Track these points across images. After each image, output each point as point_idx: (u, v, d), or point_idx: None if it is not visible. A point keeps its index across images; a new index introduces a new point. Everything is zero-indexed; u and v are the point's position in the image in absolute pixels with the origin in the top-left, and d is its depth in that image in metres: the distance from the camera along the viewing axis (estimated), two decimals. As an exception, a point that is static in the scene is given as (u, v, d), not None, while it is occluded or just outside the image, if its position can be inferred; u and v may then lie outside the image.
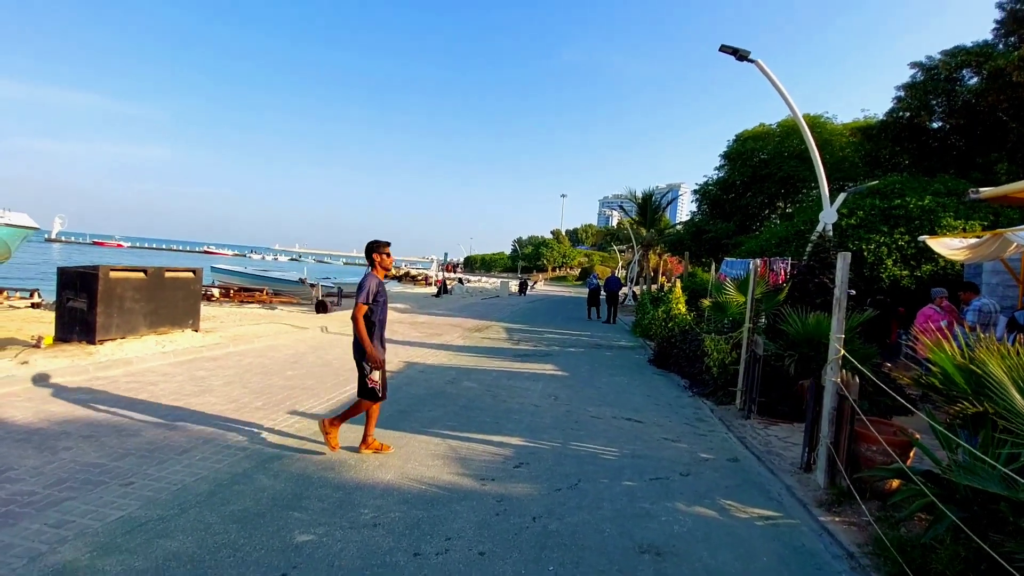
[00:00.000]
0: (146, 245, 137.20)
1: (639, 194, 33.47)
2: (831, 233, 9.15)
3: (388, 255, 4.76)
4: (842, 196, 9.36)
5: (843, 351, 4.01)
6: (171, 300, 8.88)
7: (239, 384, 6.54)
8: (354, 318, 4.32)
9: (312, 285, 19.73)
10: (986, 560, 2.60)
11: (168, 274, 8.90)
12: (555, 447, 4.93)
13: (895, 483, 3.84)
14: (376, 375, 4.39)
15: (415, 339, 11.67)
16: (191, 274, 9.34)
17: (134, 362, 7.24)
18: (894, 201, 13.84)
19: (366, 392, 4.41)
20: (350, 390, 6.61)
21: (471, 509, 3.52)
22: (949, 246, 10.49)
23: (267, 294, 21.99)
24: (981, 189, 6.00)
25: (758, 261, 7.17)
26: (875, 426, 3.80)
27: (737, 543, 3.31)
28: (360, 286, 4.42)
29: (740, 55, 8.87)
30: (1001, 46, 16.86)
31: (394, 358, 9.03)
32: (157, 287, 8.62)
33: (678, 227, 38.46)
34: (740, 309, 8.51)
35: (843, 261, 4.08)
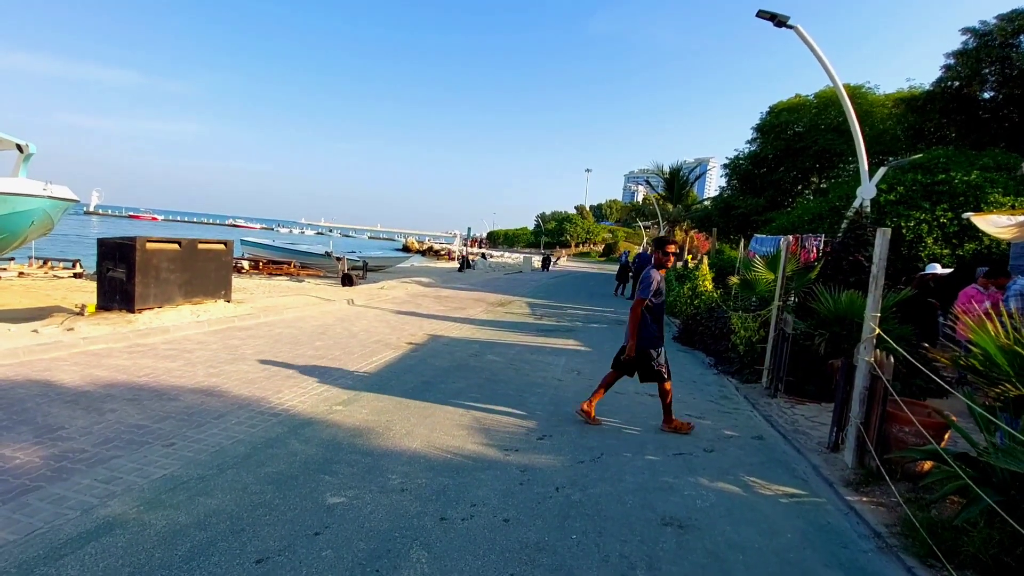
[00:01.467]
0: (178, 218, 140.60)
1: (666, 168, 32.76)
2: (868, 209, 8.82)
3: (674, 255, 5.04)
4: (882, 170, 8.99)
5: (878, 330, 3.90)
6: (204, 271, 9.11)
7: (270, 353, 6.72)
8: (633, 310, 4.66)
9: (338, 259, 20.00)
10: (1023, 545, 2.55)
11: (201, 246, 9.12)
12: (578, 421, 4.97)
13: (927, 465, 3.77)
14: (661, 359, 4.81)
15: (439, 312, 11.79)
16: (223, 246, 9.56)
17: (171, 330, 7.49)
18: (938, 176, 13.25)
19: (654, 374, 4.76)
20: (377, 360, 6.75)
21: (495, 478, 3.59)
22: (996, 223, 10.03)
23: (295, 267, 22.41)
24: None
25: (789, 238, 6.98)
26: (909, 407, 3.72)
27: (760, 519, 3.31)
28: (647, 281, 4.67)
29: (778, 20, 8.48)
30: (1064, 9, 15.76)
31: (418, 331, 9.15)
32: (191, 258, 8.85)
33: (706, 203, 37.60)
34: (769, 287, 8.33)
35: (882, 237, 3.94)
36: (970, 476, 2.88)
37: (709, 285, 11.11)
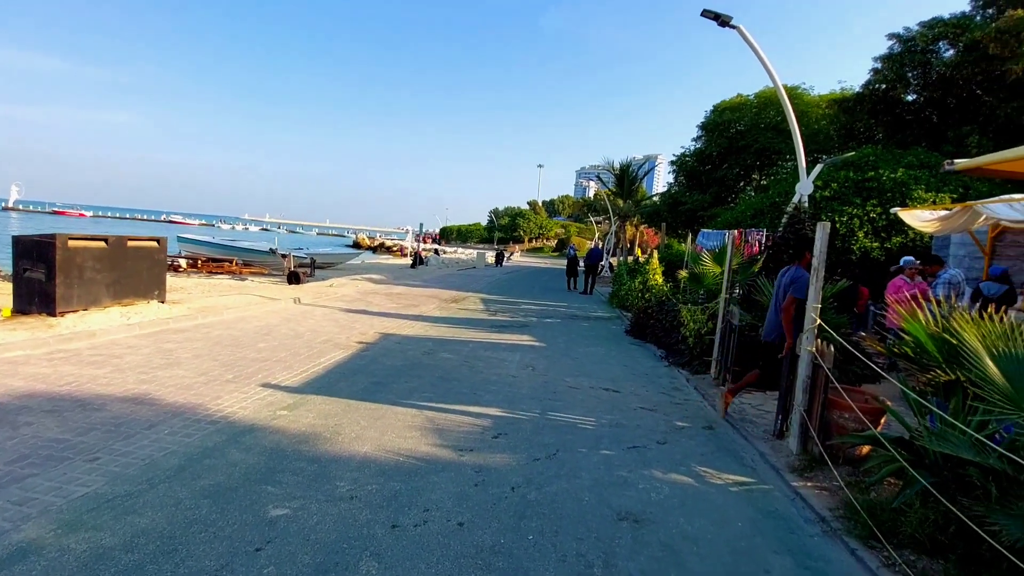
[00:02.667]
0: (110, 214, 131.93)
1: (616, 164, 33.32)
2: (806, 205, 9.22)
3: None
4: (818, 168, 9.42)
5: (819, 320, 4.04)
6: (135, 270, 8.52)
7: (208, 357, 6.34)
8: (786, 309, 4.65)
9: (284, 256, 19.24)
10: (955, 523, 2.68)
11: (131, 243, 8.51)
12: (533, 417, 4.93)
13: (866, 449, 3.94)
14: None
15: (391, 310, 11.52)
16: (155, 243, 8.96)
17: (98, 334, 6.95)
18: (868, 173, 14.03)
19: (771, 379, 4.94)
20: (326, 361, 6.49)
21: (449, 480, 3.49)
22: (920, 218, 10.72)
23: (237, 264, 21.40)
24: (956, 161, 6.03)
25: (735, 233, 7.19)
26: (848, 394, 3.87)
27: (712, 509, 3.36)
28: (801, 282, 4.62)
29: (722, 20, 8.71)
30: (979, 18, 16.98)
31: (369, 330, 8.89)
32: (120, 257, 8.25)
33: (654, 198, 38.53)
34: (716, 280, 8.58)
35: (822, 231, 4.08)
36: (906, 459, 3.01)
37: (659, 279, 11.35)
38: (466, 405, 5.15)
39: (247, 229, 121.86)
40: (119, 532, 2.70)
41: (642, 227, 41.74)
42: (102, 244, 7.98)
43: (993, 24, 14.65)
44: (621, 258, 30.22)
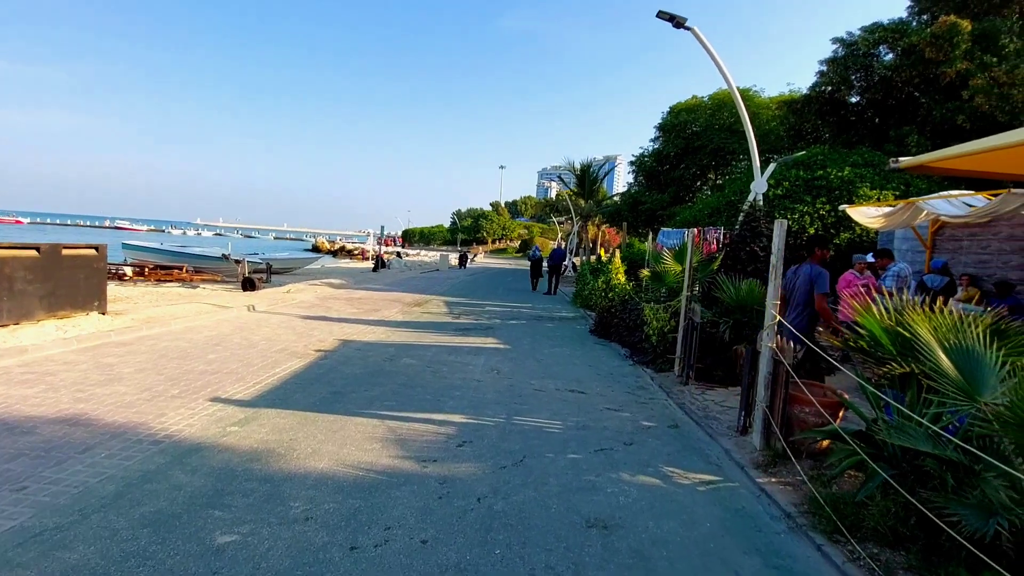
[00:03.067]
0: (49, 221, 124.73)
1: (577, 165, 33.62)
2: (761, 203, 9.44)
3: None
4: (772, 167, 9.67)
5: (779, 317, 4.08)
6: (71, 280, 7.97)
7: (153, 371, 5.96)
8: (820, 304, 4.81)
9: (237, 261, 18.52)
10: (916, 514, 2.72)
11: (66, 251, 7.96)
12: (499, 423, 4.82)
13: (827, 443, 4.01)
14: None
15: (351, 315, 11.20)
16: (93, 251, 8.41)
17: (30, 350, 6.45)
18: (817, 172, 14.55)
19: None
20: (281, 372, 6.21)
21: (412, 494, 3.35)
22: (866, 214, 11.16)
23: (187, 271, 20.46)
24: (900, 159, 6.26)
25: (694, 231, 7.27)
26: (808, 388, 3.93)
27: (680, 510, 3.34)
28: (822, 278, 4.88)
29: (677, 22, 8.83)
30: (914, 23, 17.86)
31: (328, 337, 8.60)
32: (54, 266, 7.70)
33: (615, 198, 39.07)
34: (677, 278, 8.67)
35: (780, 228, 4.13)
36: (866, 452, 3.05)
37: (622, 278, 11.44)
38: (430, 413, 5.00)
39: (199, 234, 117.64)
40: (47, 569, 2.46)
41: (604, 227, 42.29)
42: (33, 253, 7.43)
43: (928, 29, 15.44)
44: (584, 258, 30.48)
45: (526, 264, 49.28)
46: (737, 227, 9.19)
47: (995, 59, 14.84)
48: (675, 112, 29.90)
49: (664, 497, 3.50)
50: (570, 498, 3.40)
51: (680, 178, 29.42)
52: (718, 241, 11.97)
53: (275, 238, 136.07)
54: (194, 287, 17.59)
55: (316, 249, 78.21)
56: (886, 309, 3.73)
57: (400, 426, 4.58)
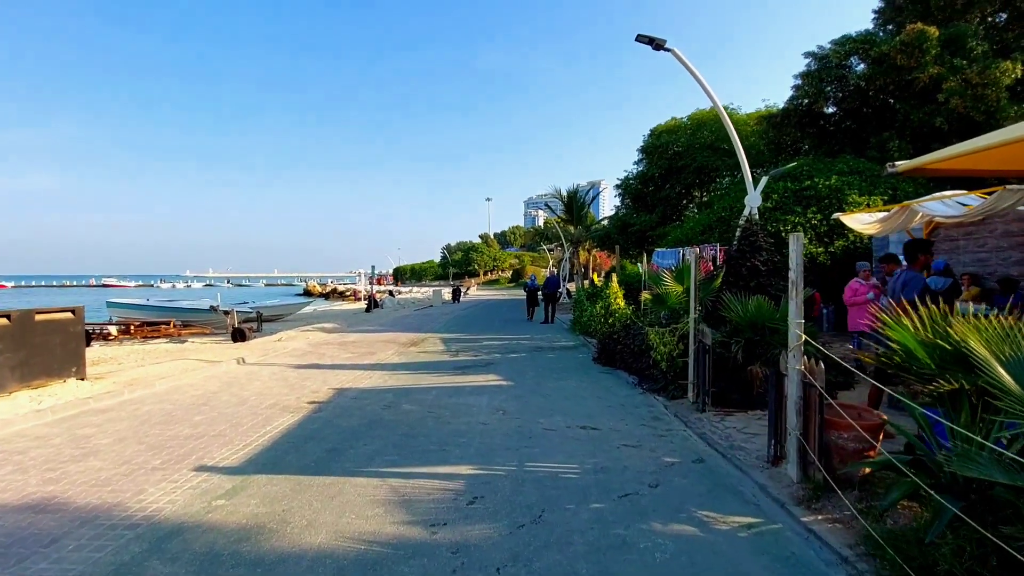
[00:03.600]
0: (33, 283, 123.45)
1: (564, 192, 33.75)
2: (757, 217, 9.30)
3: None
4: (764, 179, 9.58)
5: (804, 336, 3.81)
6: (46, 346, 7.57)
7: (133, 439, 5.54)
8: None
9: (226, 312, 18.09)
10: (996, 552, 2.39)
11: (40, 316, 7.59)
12: (510, 471, 4.45)
13: (867, 468, 3.68)
14: None
15: (346, 361, 10.80)
16: (70, 314, 8.03)
17: (-1, 426, 6.02)
18: (804, 183, 14.55)
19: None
20: (272, 430, 5.80)
21: (422, 569, 2.96)
22: (861, 221, 11.05)
23: (175, 327, 19.98)
24: (897, 164, 6.11)
25: (696, 249, 7.05)
26: (844, 411, 3.62)
27: (725, 563, 2.98)
28: (913, 283, 4.75)
29: (657, 44, 8.82)
30: (881, 34, 18.26)
31: (323, 386, 8.20)
32: (26, 333, 7.31)
33: (603, 222, 39.20)
34: (680, 299, 8.42)
35: (796, 243, 3.89)
36: (926, 483, 2.73)
37: (621, 302, 11.18)
38: (435, 466, 4.62)
39: (189, 286, 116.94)
40: None
41: (594, 251, 42.31)
42: (3, 321, 7.05)
43: (897, 38, 15.75)
44: (579, 283, 30.29)
45: (520, 294, 49.05)
46: (735, 242, 9.01)
47: (964, 62, 15.10)
48: (656, 134, 30.29)
49: (704, 548, 3.13)
50: (601, 559, 3.03)
51: (666, 198, 29.59)
52: (715, 258, 11.80)
53: (266, 285, 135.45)
54: (182, 342, 17.10)
55: (308, 293, 77.90)
56: (921, 320, 3.46)
57: (404, 484, 4.20)
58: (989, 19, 17.69)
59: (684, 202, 30.97)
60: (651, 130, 31.01)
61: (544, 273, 45.35)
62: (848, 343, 8.46)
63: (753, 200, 9.12)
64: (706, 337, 6.06)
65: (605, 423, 5.88)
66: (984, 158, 5.92)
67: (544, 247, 56.18)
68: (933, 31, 15.08)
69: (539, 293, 20.78)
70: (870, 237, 13.56)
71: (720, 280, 8.33)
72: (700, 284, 8.53)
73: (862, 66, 17.62)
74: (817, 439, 3.69)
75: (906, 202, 9.68)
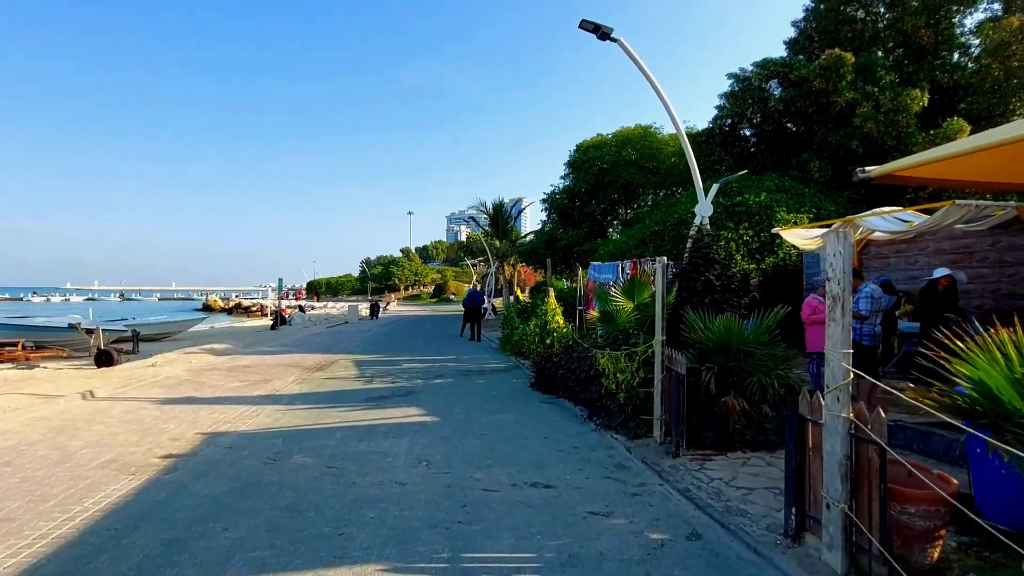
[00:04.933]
0: None
1: (489, 205, 32.80)
2: (708, 227, 8.59)
3: None
4: (715, 187, 8.94)
5: (853, 371, 2.77)
6: None
7: None
8: None
9: (89, 331, 15.06)
10: None
11: None
12: (441, 570, 3.06)
13: (936, 553, 2.68)
14: None
15: (231, 392, 8.83)
16: None
17: None
18: (736, 198, 14.37)
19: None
20: (90, 508, 4.00)
21: None
22: (802, 236, 10.75)
23: (23, 349, 16.46)
24: (868, 169, 5.46)
25: (662, 259, 6.05)
26: (910, 475, 2.60)
27: None
28: None
29: (602, 32, 7.93)
30: (795, 61, 18.93)
31: (189, 430, 6.33)
32: None
33: (528, 237, 38.62)
34: (631, 317, 7.44)
35: (842, 243, 2.89)
36: None
37: (560, 320, 10.08)
38: (327, 567, 3.12)
39: (67, 300, 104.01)
40: None
41: (519, 266, 41.62)
42: None
43: (816, 62, 16.23)
44: (505, 299, 29.21)
45: (444, 310, 47.20)
46: (686, 255, 8.22)
47: (876, 89, 15.77)
48: (583, 149, 30.14)
49: None
50: None
51: (592, 214, 29.43)
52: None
53: (160, 299, 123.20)
54: (31, 367, 13.95)
55: (207, 308, 71.19)
56: (1003, 354, 2.52)
57: (272, 611, 2.67)
58: (891, 54, 18.86)
59: (609, 218, 31.01)
60: (577, 145, 30.87)
61: (466, 288, 44.05)
62: (802, 367, 7.84)
63: (704, 209, 8.41)
64: (678, 365, 5.01)
65: (559, 476, 4.63)
66: (961, 165, 5.38)
67: (468, 261, 54.85)
68: (849, 57, 15.63)
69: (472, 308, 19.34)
70: (799, 254, 13.56)
71: (673, 296, 7.46)
72: (651, 301, 7.60)
73: (780, 90, 18.11)
74: (878, 517, 2.63)
75: (848, 217, 9.45)
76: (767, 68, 17.82)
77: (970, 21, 17.33)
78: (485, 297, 30.43)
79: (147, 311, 51.42)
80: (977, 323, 3.54)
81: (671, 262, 10.78)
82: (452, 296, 77.82)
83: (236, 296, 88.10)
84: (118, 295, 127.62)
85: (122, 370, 11.80)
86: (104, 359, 13.84)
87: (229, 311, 65.56)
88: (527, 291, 45.16)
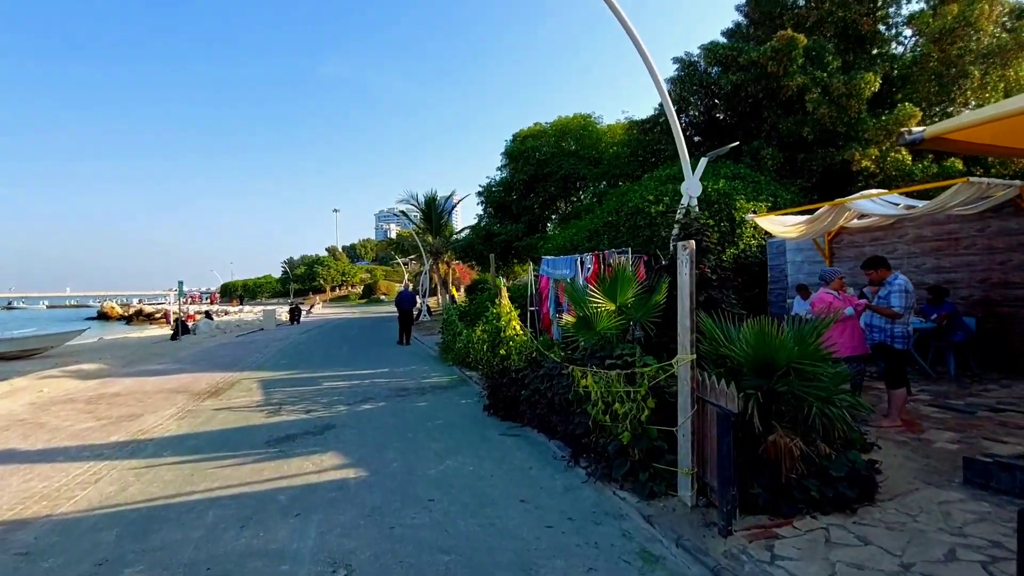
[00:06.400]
0: None
1: (421, 198, 30.58)
2: (696, 208, 7.20)
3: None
4: (703, 161, 7.55)
5: None
6: None
7: None
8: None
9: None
10: None
11: None
12: None
13: None
14: None
15: (74, 439, 6.43)
16: None
17: None
18: (694, 185, 13.30)
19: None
20: None
21: None
22: (783, 223, 9.63)
23: None
24: (922, 129, 4.15)
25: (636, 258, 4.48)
26: None
27: None
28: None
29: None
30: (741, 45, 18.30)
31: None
32: None
33: (463, 232, 36.65)
34: (615, 322, 5.88)
35: None
36: None
37: (517, 326, 8.36)
38: None
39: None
40: None
41: (454, 263, 39.55)
42: None
43: (768, 44, 15.52)
44: (442, 299, 27.17)
45: (374, 311, 44.19)
46: (672, 242, 6.77)
47: (824, 75, 15.27)
48: (520, 138, 28.64)
49: None
50: None
51: (531, 207, 27.98)
52: (632, 266, 9.59)
53: (48, 307, 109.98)
54: None
55: (103, 316, 63.62)
56: None
57: None
58: (830, 42, 18.67)
59: (547, 212, 29.69)
60: (515, 135, 29.33)
61: (397, 288, 41.49)
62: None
63: (692, 187, 7.01)
64: (722, 397, 3.45)
65: (527, 541, 2.92)
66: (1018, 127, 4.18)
67: (399, 259, 51.98)
68: (802, 39, 15.03)
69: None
70: (759, 245, 12.68)
71: (663, 294, 5.97)
72: (634, 302, 6.10)
73: (730, 73, 17.37)
74: None
75: (837, 200, 8.44)
76: (715, 52, 17.00)
77: (906, 11, 17.34)
78: (418, 298, 28.23)
79: (28, 321, 44.56)
80: None
81: (636, 253, 9.41)
82: (383, 296, 74.28)
83: (139, 302, 79.55)
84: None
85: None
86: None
87: (128, 319, 58.80)
88: (462, 289, 43.20)
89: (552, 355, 6.37)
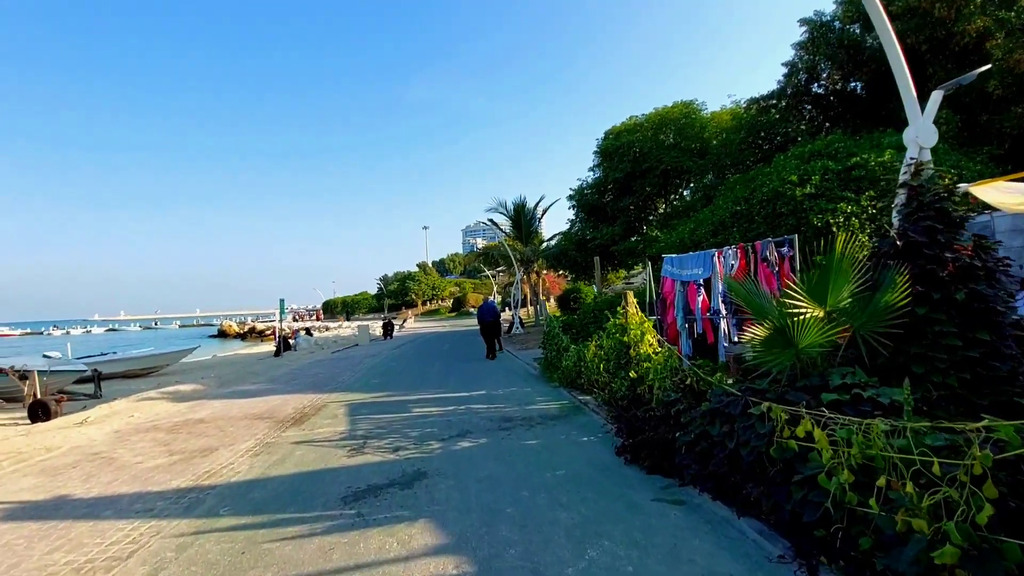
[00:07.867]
0: None
1: (510, 205, 29.41)
2: (932, 166, 5.00)
3: None
4: (936, 95, 5.34)
5: None
6: None
7: None
8: None
9: (22, 376, 11.94)
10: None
11: None
12: None
13: None
14: None
15: (134, 483, 5.48)
16: None
17: None
18: (850, 160, 10.73)
19: None
20: None
21: None
22: (1012, 191, 7.12)
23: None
24: None
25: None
26: None
27: None
28: None
29: None
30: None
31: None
32: None
33: (553, 240, 35.02)
34: (828, 334, 3.91)
35: None
36: None
37: (654, 342, 6.47)
38: None
39: (89, 332, 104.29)
40: None
41: (544, 273, 38.02)
42: None
43: (934, -18, 12.54)
44: (540, 310, 25.65)
45: (464, 324, 43.76)
46: (899, 214, 4.63)
47: (1011, 13, 12.01)
48: (614, 135, 26.56)
49: None
50: None
51: (626, 208, 25.72)
52: (791, 259, 7.42)
53: (180, 326, 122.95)
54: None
55: (223, 334, 69.05)
56: None
57: None
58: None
59: (644, 214, 27.24)
60: (606, 132, 27.32)
61: (481, 300, 40.69)
62: None
63: (925, 134, 4.84)
64: None
65: None
66: None
67: (487, 271, 51.40)
68: (982, -31, 11.91)
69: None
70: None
71: (900, 291, 3.91)
72: (853, 302, 4.10)
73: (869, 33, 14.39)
74: None
75: None
76: (858, 2, 14.16)
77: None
78: (507, 308, 26.94)
79: (163, 340, 48.85)
80: None
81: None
82: (471, 309, 74.54)
83: (251, 320, 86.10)
84: (136, 324, 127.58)
85: (33, 431, 8.65)
86: (39, 411, 10.77)
87: (243, 336, 63.34)
88: (551, 300, 41.56)
89: (722, 383, 4.47)
